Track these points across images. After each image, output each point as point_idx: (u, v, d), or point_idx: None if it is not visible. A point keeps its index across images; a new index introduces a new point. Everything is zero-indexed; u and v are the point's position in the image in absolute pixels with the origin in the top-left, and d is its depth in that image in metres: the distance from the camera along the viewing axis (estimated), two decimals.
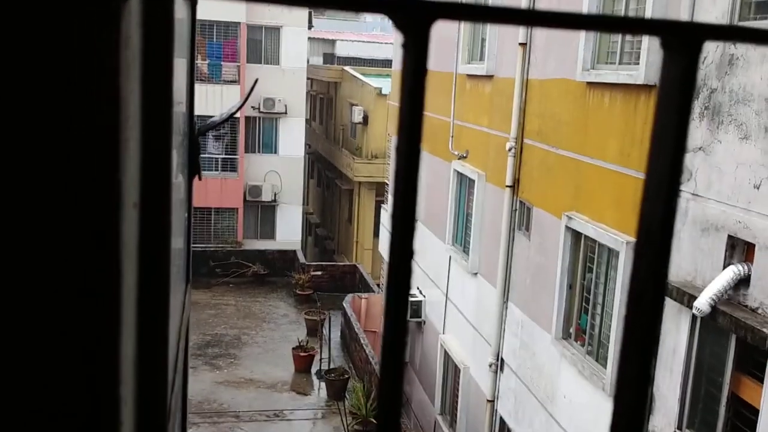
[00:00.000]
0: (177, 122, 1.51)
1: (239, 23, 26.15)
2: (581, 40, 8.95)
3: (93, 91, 0.50)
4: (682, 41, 0.44)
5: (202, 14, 24.96)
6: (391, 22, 0.37)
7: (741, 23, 6.51)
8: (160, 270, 0.81)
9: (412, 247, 0.43)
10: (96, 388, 0.56)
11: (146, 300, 0.75)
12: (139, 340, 0.74)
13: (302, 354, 18.25)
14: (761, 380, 6.14)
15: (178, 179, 1.52)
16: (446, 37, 13.87)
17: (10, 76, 0.49)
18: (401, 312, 0.42)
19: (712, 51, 6.73)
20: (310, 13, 28.18)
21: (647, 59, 7.64)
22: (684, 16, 7.07)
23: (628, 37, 8.39)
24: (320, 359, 18.05)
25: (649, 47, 7.62)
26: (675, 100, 0.45)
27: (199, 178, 1.81)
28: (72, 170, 0.51)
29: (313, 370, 18.32)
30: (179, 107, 1.55)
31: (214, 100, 25.50)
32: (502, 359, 11.36)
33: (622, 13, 8.42)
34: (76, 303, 0.54)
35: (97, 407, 0.57)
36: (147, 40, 0.69)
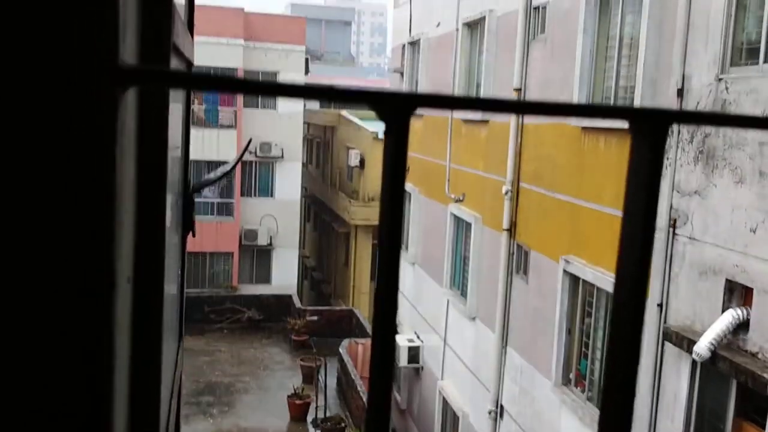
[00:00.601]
0: (172, 182, 1.51)
1: (236, 69, 26.45)
2: (575, 85, 9.04)
3: (89, 176, 0.53)
4: (649, 126, 0.47)
5: (199, 60, 25.24)
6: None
7: (733, 68, 6.58)
8: (152, 341, 0.81)
9: (394, 339, 0.41)
10: None
11: (138, 372, 0.76)
12: (130, 408, 0.74)
13: (298, 402, 18.00)
14: (763, 426, 6.05)
15: (172, 238, 1.50)
16: (442, 81, 14.03)
17: (9, 156, 0.51)
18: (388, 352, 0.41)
19: (705, 95, 6.79)
20: (306, 59, 28.55)
21: (641, 103, 7.70)
22: (676, 63, 7.15)
23: (622, 82, 8.48)
24: (316, 407, 17.80)
25: (643, 93, 7.69)
26: (643, 181, 0.47)
27: (193, 235, 1.79)
28: (67, 251, 0.53)
29: (309, 418, 18.04)
30: (174, 168, 1.54)
31: (210, 145, 25.65)
32: (501, 406, 11.20)
33: (615, 63, 8.52)
34: (69, 382, 0.55)
35: None
36: (142, 128, 0.73)
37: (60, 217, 0.52)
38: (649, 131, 0.48)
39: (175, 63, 1.25)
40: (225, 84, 0.38)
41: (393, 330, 0.41)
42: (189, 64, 1.73)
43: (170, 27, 0.91)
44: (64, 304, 0.53)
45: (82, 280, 0.53)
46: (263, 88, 0.37)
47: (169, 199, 1.40)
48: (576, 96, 9.04)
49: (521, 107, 0.43)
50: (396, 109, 0.37)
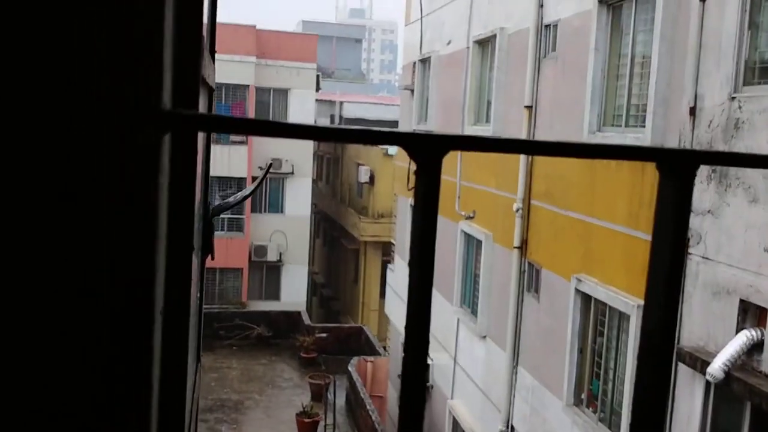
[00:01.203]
0: (195, 205, 1.52)
1: (248, 86, 26.61)
2: (587, 102, 9.03)
3: (135, 214, 0.54)
4: (676, 167, 0.47)
5: None
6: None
7: (746, 87, 6.55)
8: (178, 373, 0.83)
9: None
10: None
11: (166, 402, 0.76)
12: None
13: (306, 420, 17.90)
14: None
15: (194, 261, 1.50)
16: (452, 98, 14.05)
17: (59, 199, 0.52)
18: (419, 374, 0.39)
19: (717, 114, 6.75)
20: (318, 76, 28.69)
21: (653, 122, 7.67)
22: (688, 81, 7.12)
23: (634, 100, 8.46)
24: (325, 425, 17.69)
25: (655, 110, 7.66)
26: (671, 222, 0.47)
27: (212, 258, 1.78)
28: (111, 289, 0.55)
29: None
30: (196, 193, 1.55)
31: (222, 161, 25.75)
32: (512, 426, 11.10)
33: (627, 81, 8.50)
34: (109, 405, 0.56)
35: None
36: (174, 167, 0.74)
37: (106, 256, 0.53)
38: (675, 173, 0.47)
39: (202, 94, 1.25)
40: (259, 127, 0.37)
41: (422, 382, 0.39)
42: (210, 90, 1.73)
43: (200, 62, 0.92)
44: (110, 340, 0.54)
45: (127, 317, 0.54)
46: (295, 131, 0.36)
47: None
48: (587, 114, 9.02)
49: (550, 148, 0.42)
50: (429, 150, 0.36)
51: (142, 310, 0.55)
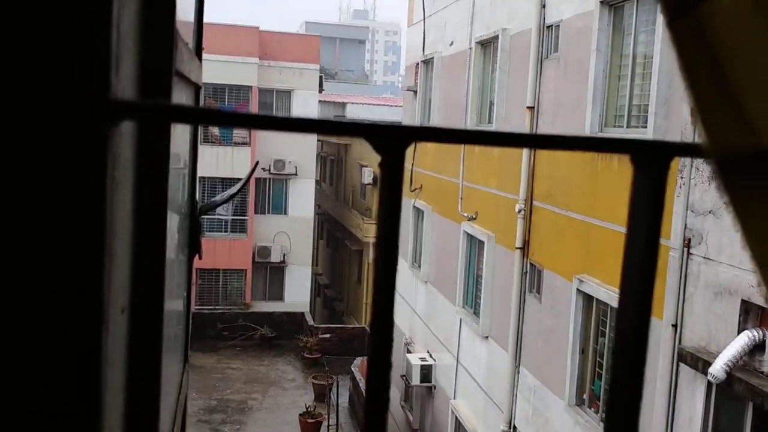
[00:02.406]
0: (179, 204, 1.52)
1: (251, 87, 26.64)
2: (589, 102, 9.03)
3: (78, 209, 0.53)
4: (650, 159, 0.47)
5: (214, 78, 25.51)
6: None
7: None
8: (150, 372, 0.81)
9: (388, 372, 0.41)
10: None
11: (136, 405, 0.75)
12: None
13: (309, 420, 17.92)
14: None
15: (177, 261, 1.50)
16: (455, 99, 14.06)
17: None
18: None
19: None
20: (321, 77, 28.72)
21: (655, 122, 7.68)
22: None
23: (636, 101, 8.47)
24: (328, 426, 17.70)
25: (656, 111, 7.67)
26: (645, 214, 0.47)
27: (200, 257, 1.79)
28: (56, 285, 0.53)
29: None
30: (181, 189, 1.55)
31: (225, 162, 25.79)
32: (514, 426, 11.10)
33: (628, 82, 8.51)
34: (58, 414, 0.55)
35: None
36: (142, 156, 0.73)
37: (49, 251, 0.52)
38: (650, 165, 0.48)
39: (180, 89, 1.25)
40: (214, 117, 0.38)
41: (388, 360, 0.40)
42: (197, 88, 1.74)
43: (172, 54, 0.91)
44: (51, 337, 0.53)
45: (70, 314, 0.53)
46: (253, 121, 0.37)
47: (175, 221, 1.39)
48: (589, 114, 9.02)
49: (519, 140, 0.43)
50: (391, 142, 0.37)
51: (89, 310, 0.54)
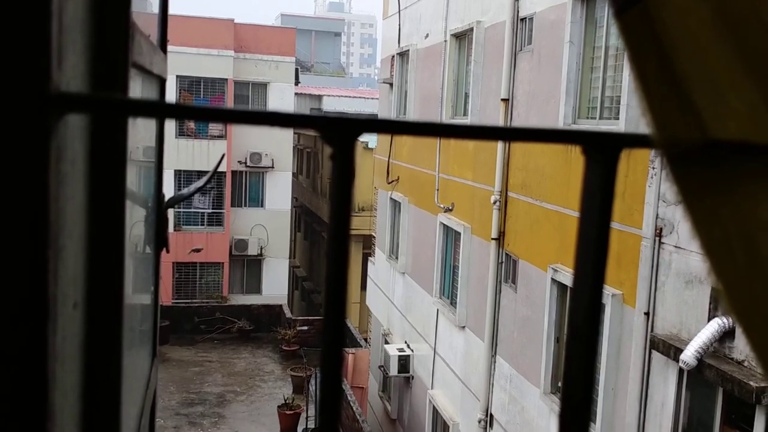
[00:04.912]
0: (144, 198, 1.52)
1: (226, 79, 26.46)
2: (562, 94, 9.11)
3: (18, 202, 0.52)
4: (602, 150, 0.47)
5: (189, 70, 25.30)
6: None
7: None
8: (110, 366, 0.80)
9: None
10: None
11: (94, 401, 0.75)
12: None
13: (288, 412, 17.93)
14: None
15: (143, 253, 1.51)
16: (431, 91, 14.09)
17: None
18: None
19: None
20: (296, 69, 28.59)
21: (627, 113, 7.77)
22: None
23: (608, 92, 8.56)
24: (306, 417, 17.74)
25: (629, 102, 7.76)
26: (597, 204, 0.48)
27: (167, 251, 1.80)
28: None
29: (300, 428, 17.98)
30: (145, 183, 1.56)
31: (200, 155, 25.62)
32: (491, 414, 11.21)
33: (601, 74, 8.60)
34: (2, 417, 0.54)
35: None
36: (95, 150, 0.71)
37: None
38: (601, 156, 0.48)
39: (140, 82, 1.25)
40: (162, 110, 0.39)
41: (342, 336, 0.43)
42: (162, 81, 1.74)
43: (127, 47, 0.91)
44: None
45: (11, 308, 0.52)
46: (200, 113, 0.39)
47: (140, 214, 1.40)
48: (563, 106, 9.11)
49: (470, 132, 0.45)
50: (341, 134, 0.39)
51: (32, 305, 0.53)
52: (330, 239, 0.41)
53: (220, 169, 25.74)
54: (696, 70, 0.44)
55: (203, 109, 0.38)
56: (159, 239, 1.73)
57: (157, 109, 0.39)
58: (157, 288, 1.84)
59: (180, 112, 0.39)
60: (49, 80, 0.51)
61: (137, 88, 1.23)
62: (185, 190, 2.81)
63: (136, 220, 1.28)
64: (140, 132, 1.29)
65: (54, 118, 0.53)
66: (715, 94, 0.44)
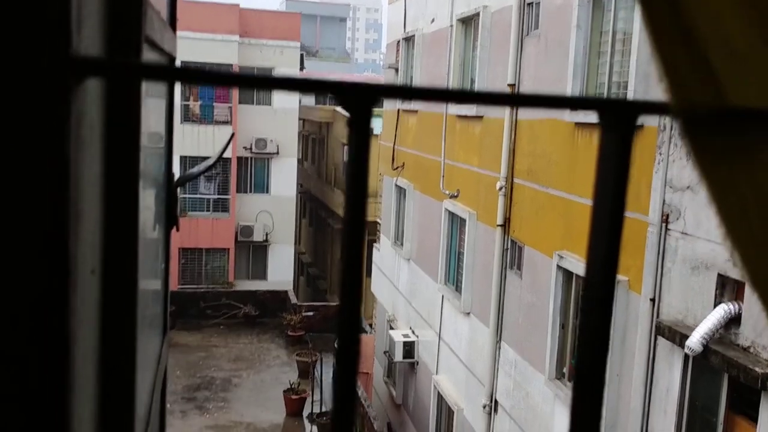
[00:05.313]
0: (154, 176, 1.52)
1: (231, 65, 26.40)
2: (569, 79, 9.06)
3: (40, 173, 0.53)
4: (618, 118, 0.46)
5: (194, 56, 25.23)
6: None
7: None
8: (125, 333, 0.81)
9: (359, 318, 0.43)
10: None
11: (110, 365, 0.75)
12: (101, 405, 0.74)
13: (294, 397, 18.03)
14: (755, 419, 6.09)
15: (155, 231, 1.52)
16: (437, 77, 14.03)
17: None
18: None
19: None
20: (302, 55, 28.52)
21: (634, 98, 7.71)
22: None
23: (615, 77, 8.51)
24: (312, 402, 17.83)
25: (635, 87, 7.72)
26: (612, 173, 0.47)
27: (177, 229, 1.81)
28: (17, 248, 0.53)
29: (305, 413, 18.08)
30: (156, 162, 1.56)
31: (206, 141, 25.62)
32: (495, 400, 11.25)
33: (608, 58, 8.55)
34: (24, 371, 0.55)
35: None
36: (110, 116, 0.72)
37: (10, 205, 0.52)
38: (617, 123, 0.47)
39: (151, 57, 1.25)
40: (178, 74, 0.39)
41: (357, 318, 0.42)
42: (171, 59, 1.74)
43: (140, 20, 0.92)
44: (18, 292, 0.53)
45: (35, 269, 0.53)
46: (216, 78, 0.38)
47: (151, 193, 1.40)
48: (569, 90, 9.06)
49: (485, 98, 0.45)
50: (359, 100, 0.39)
51: (55, 267, 0.53)
52: (347, 206, 0.41)
53: (225, 156, 25.74)
54: (713, 33, 0.43)
55: (220, 74, 0.38)
56: (169, 217, 1.73)
57: (173, 74, 0.39)
58: (167, 267, 1.84)
59: (196, 76, 0.39)
60: (69, 45, 0.52)
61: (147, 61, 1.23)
62: (195, 169, 2.81)
63: (146, 197, 1.29)
64: (150, 110, 1.29)
65: (75, 81, 0.53)
66: (732, 57, 0.44)
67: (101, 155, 0.72)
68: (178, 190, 1.94)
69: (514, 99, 0.46)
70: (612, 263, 0.51)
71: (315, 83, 0.39)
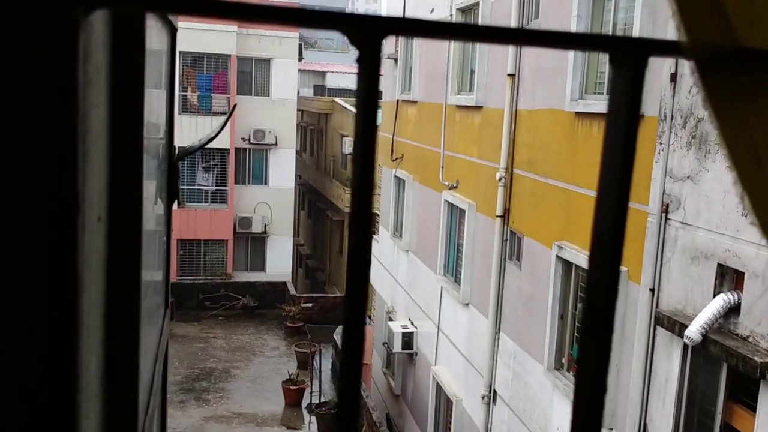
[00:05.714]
0: (156, 148, 1.51)
1: (229, 55, 26.33)
2: (569, 70, 9.04)
3: (48, 103, 0.52)
4: (629, 56, 0.46)
5: (192, 46, 25.17)
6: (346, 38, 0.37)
7: None
8: (130, 280, 0.81)
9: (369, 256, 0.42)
10: (53, 401, 0.57)
11: (116, 311, 0.76)
12: (106, 350, 0.74)
13: (292, 387, 18.06)
14: (754, 409, 6.10)
15: (157, 204, 1.50)
16: (436, 67, 14.00)
17: None
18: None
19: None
20: (300, 46, 28.43)
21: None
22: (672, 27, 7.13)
23: None
24: (311, 392, 17.86)
25: None
26: (623, 114, 0.47)
27: (179, 204, 1.79)
28: (26, 181, 0.53)
29: (304, 403, 18.11)
30: (158, 133, 1.54)
31: (204, 132, 25.51)
32: (494, 391, 11.26)
33: (611, 22, 8.52)
34: (32, 315, 0.55)
35: (54, 416, 0.57)
36: (115, 54, 0.72)
37: (18, 141, 0.52)
38: (629, 61, 0.47)
39: (154, 27, 1.24)
40: (185, 4, 0.38)
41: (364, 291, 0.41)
42: (173, 30, 1.72)
43: None
44: (25, 230, 0.53)
45: (44, 206, 0.53)
46: (222, 8, 0.37)
47: (153, 165, 1.39)
48: (569, 81, 9.03)
49: (499, 34, 0.43)
50: (369, 33, 0.37)
51: (63, 207, 0.53)
52: (356, 152, 0.39)
53: (222, 146, 25.70)
54: None
55: (225, 4, 0.36)
56: (171, 190, 1.72)
57: (181, 3, 0.37)
58: (170, 239, 1.84)
59: (201, 6, 0.37)
60: None
61: (152, 35, 1.21)
62: (196, 142, 2.80)
63: (149, 168, 1.28)
64: (152, 102, 1.28)
65: (81, 12, 0.53)
66: (744, 2, 0.43)
67: (107, 98, 0.71)
68: (179, 165, 1.93)
69: (522, 34, 0.45)
70: (621, 218, 0.49)
71: (321, 15, 0.37)
